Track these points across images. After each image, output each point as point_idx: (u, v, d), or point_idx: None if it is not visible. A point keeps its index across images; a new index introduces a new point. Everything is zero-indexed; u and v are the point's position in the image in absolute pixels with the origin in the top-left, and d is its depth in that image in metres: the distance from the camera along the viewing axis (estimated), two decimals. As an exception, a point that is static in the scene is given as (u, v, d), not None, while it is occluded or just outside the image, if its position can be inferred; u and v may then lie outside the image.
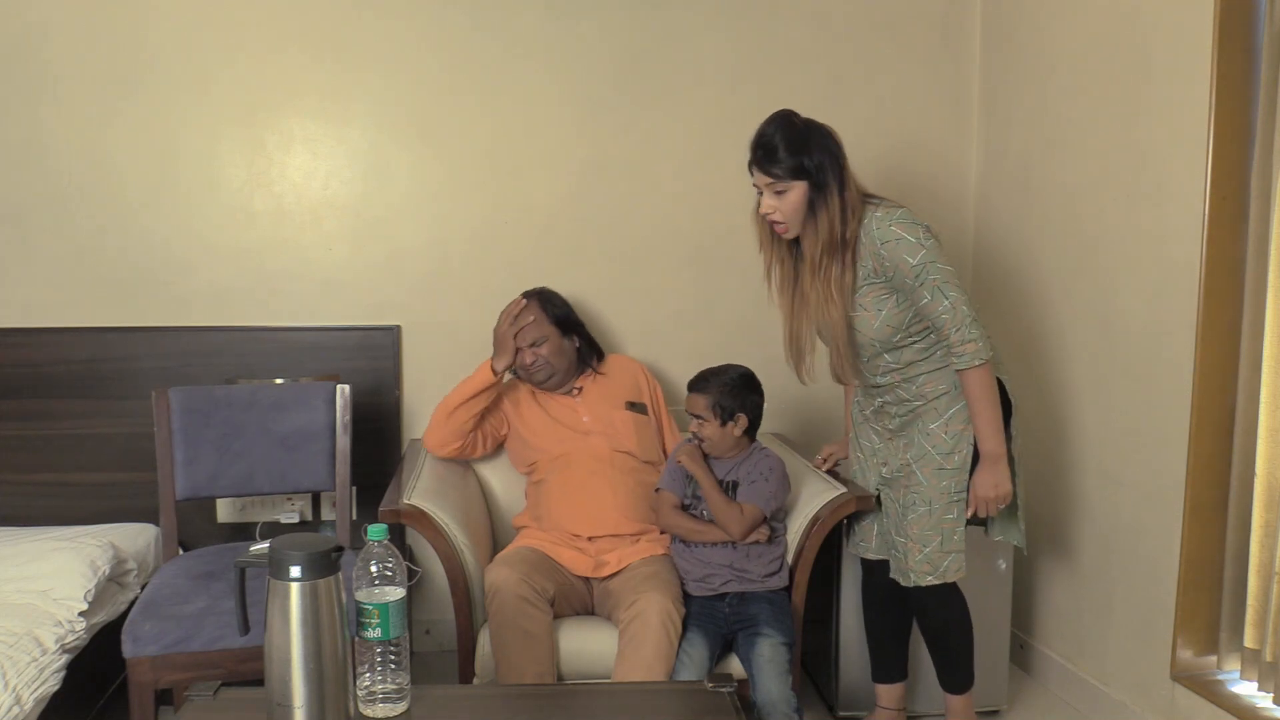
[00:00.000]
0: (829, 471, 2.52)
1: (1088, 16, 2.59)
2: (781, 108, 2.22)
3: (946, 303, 2.10)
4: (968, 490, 2.20)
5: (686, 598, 2.27)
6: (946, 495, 2.20)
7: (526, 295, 2.69)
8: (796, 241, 2.21)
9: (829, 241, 2.12)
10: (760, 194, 2.18)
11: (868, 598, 2.48)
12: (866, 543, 2.41)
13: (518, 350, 2.59)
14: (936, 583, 2.22)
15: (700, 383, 2.37)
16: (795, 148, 2.11)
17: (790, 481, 2.42)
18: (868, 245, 2.12)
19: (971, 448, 2.19)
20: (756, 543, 2.30)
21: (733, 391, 2.34)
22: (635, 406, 2.69)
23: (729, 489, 2.34)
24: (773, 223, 2.18)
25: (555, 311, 2.66)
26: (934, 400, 2.21)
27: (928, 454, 2.21)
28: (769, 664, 2.16)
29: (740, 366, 2.41)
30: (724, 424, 2.34)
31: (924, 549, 2.21)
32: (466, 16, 2.89)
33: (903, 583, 2.27)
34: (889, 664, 2.47)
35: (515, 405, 2.67)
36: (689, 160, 3.02)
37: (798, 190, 2.12)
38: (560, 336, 2.64)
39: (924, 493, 2.21)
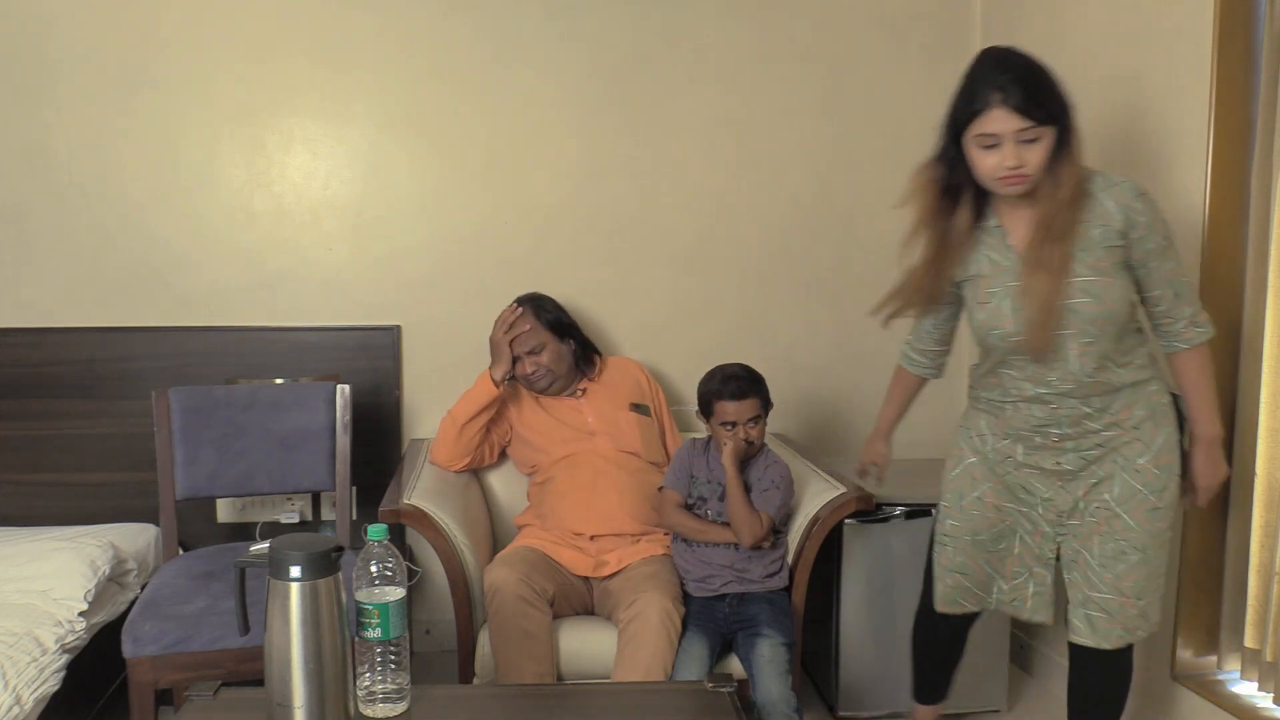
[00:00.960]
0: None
1: (1087, 16, 2.59)
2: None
3: (1183, 266, 1.84)
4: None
5: (686, 598, 2.27)
6: (1159, 538, 1.88)
7: (518, 302, 2.68)
8: (953, 199, 1.88)
9: (1072, 197, 1.76)
10: (991, 144, 1.75)
11: (930, 628, 2.20)
12: (1021, 600, 2.03)
13: (516, 359, 2.59)
14: (1145, 636, 1.93)
15: (739, 385, 2.34)
16: (1048, 86, 1.75)
17: (794, 487, 2.42)
18: (1112, 201, 1.78)
19: (1178, 479, 1.91)
20: (760, 547, 2.30)
21: (764, 385, 2.38)
22: (639, 408, 2.69)
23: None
24: (1014, 178, 1.76)
25: (548, 316, 2.64)
26: (1133, 429, 1.87)
27: (1137, 494, 1.86)
28: (769, 664, 2.16)
29: (736, 363, 2.42)
30: (766, 419, 2.38)
31: (1139, 602, 1.89)
32: (466, 18, 2.89)
33: (1104, 645, 1.92)
34: (933, 687, 2.29)
35: (518, 409, 2.66)
36: (688, 160, 3.02)
37: (1049, 137, 1.74)
38: (557, 341, 2.63)
39: (1135, 538, 1.87)
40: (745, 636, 2.23)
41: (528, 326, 2.60)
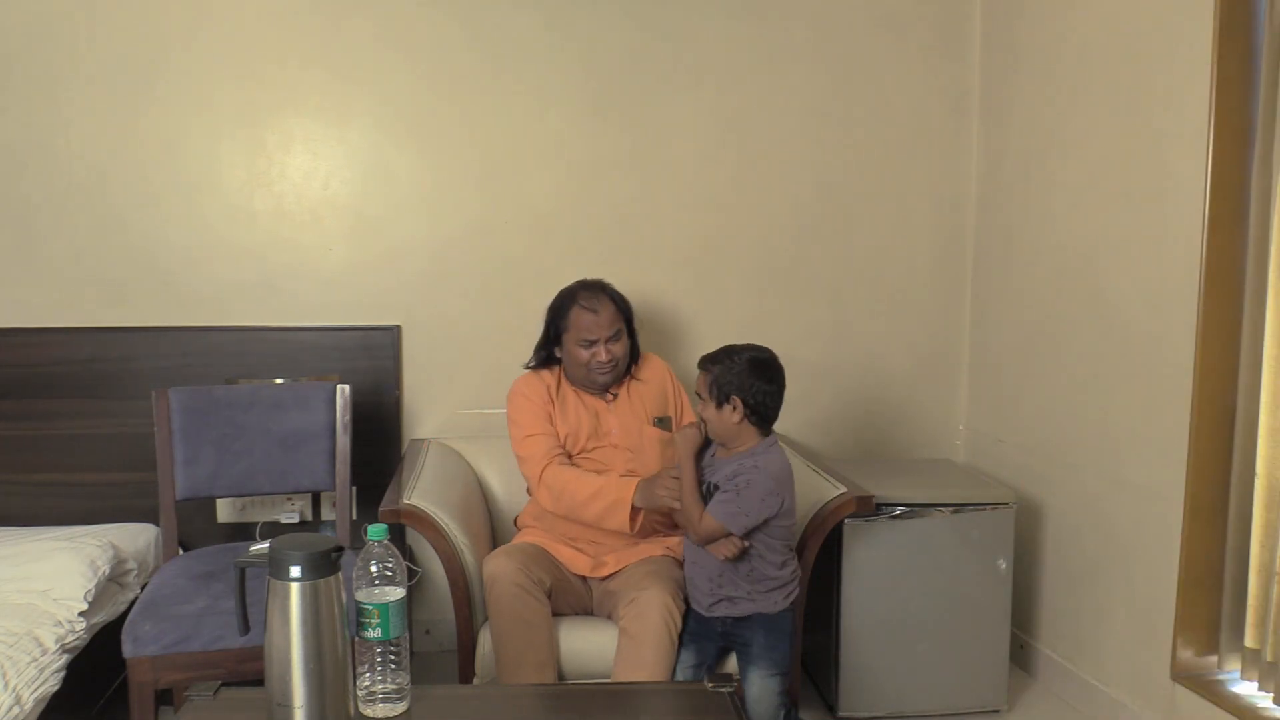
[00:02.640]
0: None
1: (1087, 16, 2.59)
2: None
3: None
4: None
5: (686, 609, 2.22)
6: None
7: (589, 287, 2.46)
8: None
9: None
10: None
11: None
12: None
13: (592, 342, 2.39)
14: None
15: (707, 359, 2.18)
16: None
17: (785, 494, 2.15)
18: None
19: None
20: (727, 559, 2.11)
21: (736, 373, 2.12)
22: (662, 422, 2.52)
23: (708, 491, 2.15)
24: None
25: (622, 305, 2.47)
26: None
27: None
28: (756, 703, 2.10)
29: (759, 348, 2.18)
30: (719, 406, 2.13)
31: None
32: (465, 19, 2.89)
33: None
34: None
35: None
36: (688, 160, 3.02)
37: None
38: (626, 334, 2.48)
39: None
40: (739, 661, 2.16)
41: (609, 312, 2.42)
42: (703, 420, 2.19)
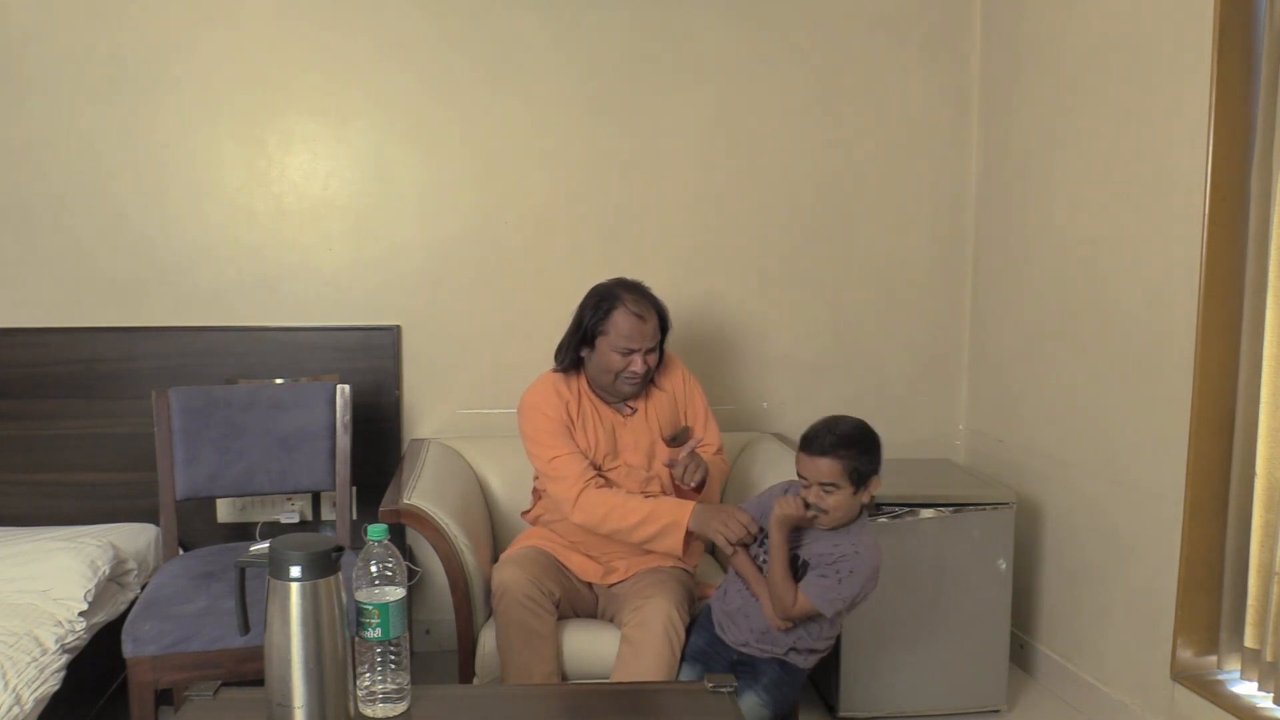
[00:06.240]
0: None
1: (1088, 16, 2.59)
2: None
3: None
4: None
5: (693, 622, 2.18)
6: None
7: (632, 289, 2.32)
8: None
9: None
10: None
11: None
12: None
13: (630, 352, 2.26)
14: None
15: (826, 442, 1.92)
16: None
17: (877, 579, 1.99)
18: None
19: None
20: (788, 628, 2.01)
21: (867, 451, 1.93)
22: (675, 440, 2.41)
23: (798, 567, 1.99)
24: None
25: (664, 315, 2.34)
26: None
27: None
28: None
29: (853, 417, 1.98)
30: (856, 490, 1.93)
31: None
32: (464, 19, 2.89)
33: None
34: None
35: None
36: (687, 160, 3.02)
37: None
38: (659, 346, 2.36)
39: None
40: (741, 685, 2.01)
41: (655, 320, 2.29)
42: (817, 507, 1.93)
